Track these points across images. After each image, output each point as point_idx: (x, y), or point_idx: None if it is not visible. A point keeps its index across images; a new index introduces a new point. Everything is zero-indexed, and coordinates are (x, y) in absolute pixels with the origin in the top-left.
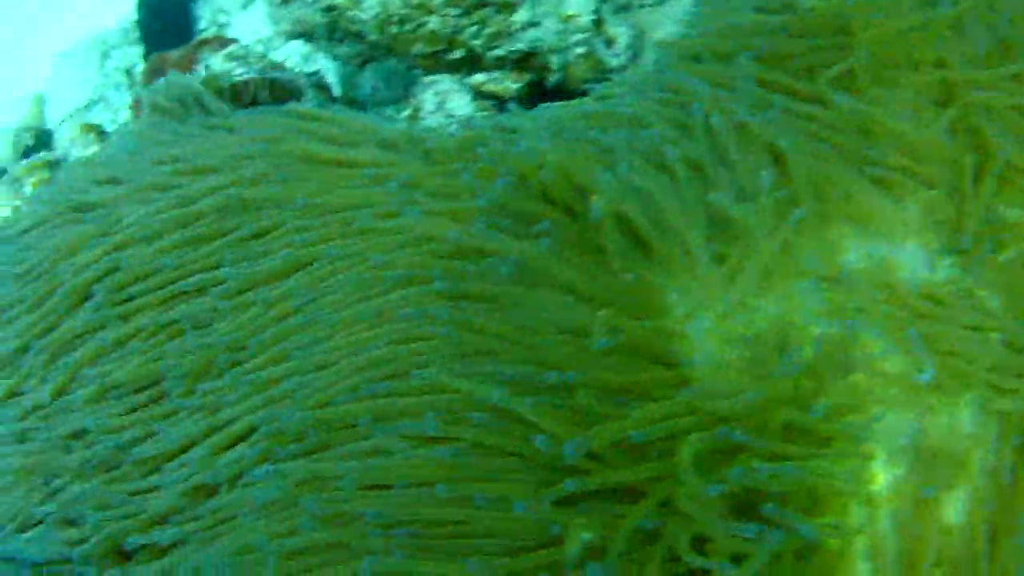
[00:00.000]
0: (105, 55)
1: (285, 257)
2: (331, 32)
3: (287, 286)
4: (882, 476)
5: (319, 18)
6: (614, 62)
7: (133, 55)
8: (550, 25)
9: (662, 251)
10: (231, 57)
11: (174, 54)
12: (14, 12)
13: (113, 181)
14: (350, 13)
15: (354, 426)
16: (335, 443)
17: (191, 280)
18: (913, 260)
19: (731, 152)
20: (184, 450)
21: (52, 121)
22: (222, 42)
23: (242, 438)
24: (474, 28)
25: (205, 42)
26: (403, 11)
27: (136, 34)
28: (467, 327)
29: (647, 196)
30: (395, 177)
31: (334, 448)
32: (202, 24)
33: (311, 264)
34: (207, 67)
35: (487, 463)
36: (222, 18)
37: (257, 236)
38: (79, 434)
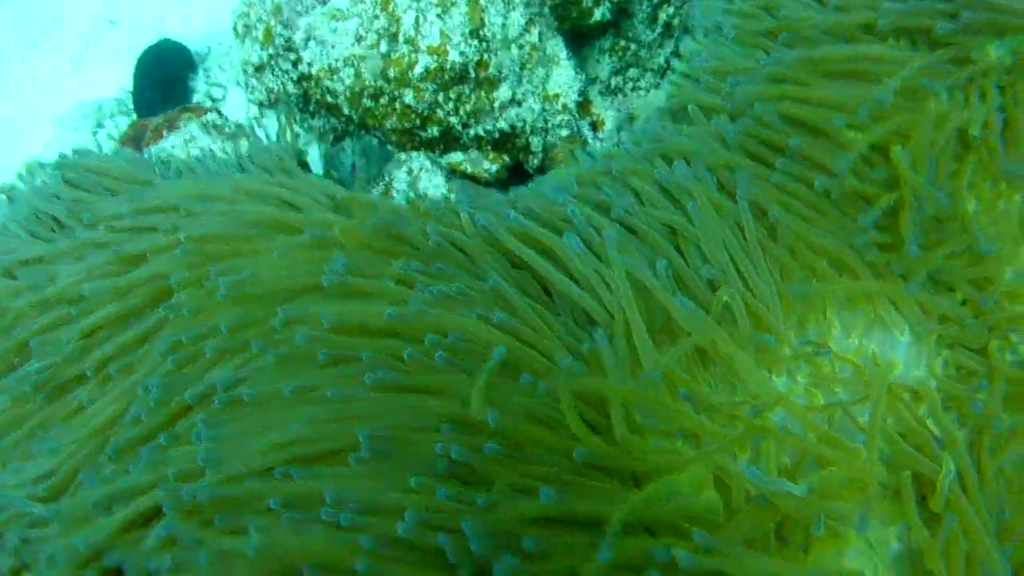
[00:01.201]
0: (99, 123)
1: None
2: (304, 104)
3: (215, 371)
4: None
5: (292, 88)
6: (599, 146)
7: (125, 124)
8: (533, 104)
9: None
10: (207, 126)
11: (155, 120)
12: (24, 76)
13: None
14: (325, 84)
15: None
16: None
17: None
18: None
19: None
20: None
21: None
22: (202, 111)
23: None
24: (451, 104)
25: (186, 109)
26: (378, 83)
27: (130, 104)
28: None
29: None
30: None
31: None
32: (197, 97)
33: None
34: (186, 134)
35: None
36: (216, 92)
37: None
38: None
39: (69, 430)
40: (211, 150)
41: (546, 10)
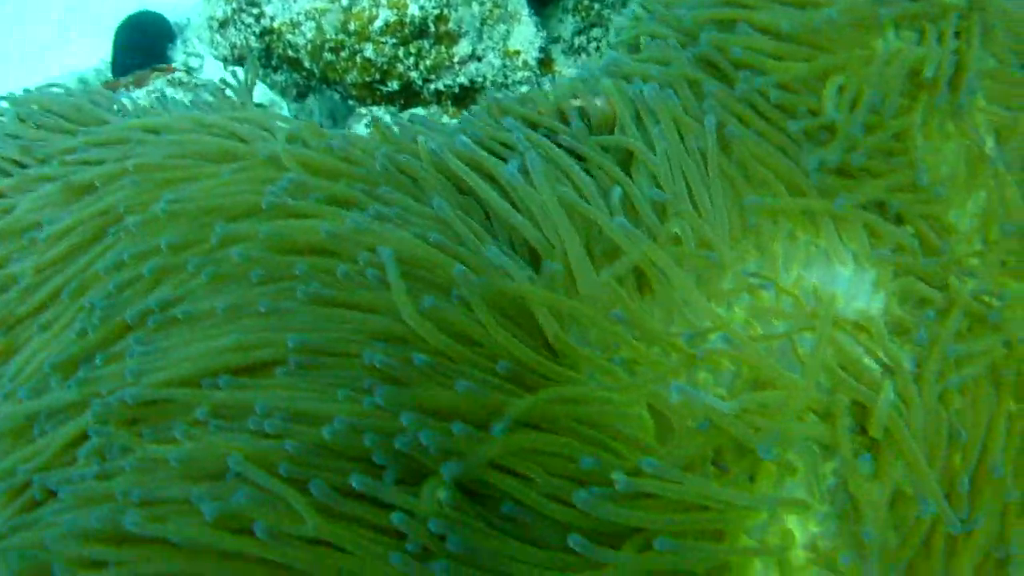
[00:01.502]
0: None
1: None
2: (267, 58)
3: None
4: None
5: (254, 43)
6: None
7: None
8: (493, 60)
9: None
10: (174, 82)
11: (125, 79)
12: (8, 48)
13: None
14: (287, 38)
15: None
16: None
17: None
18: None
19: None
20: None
21: None
22: (171, 70)
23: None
24: (411, 59)
25: (156, 69)
26: (338, 37)
27: (109, 74)
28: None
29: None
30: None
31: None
32: (175, 66)
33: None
34: (152, 89)
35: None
36: (194, 61)
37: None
38: None
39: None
40: (173, 99)
41: None
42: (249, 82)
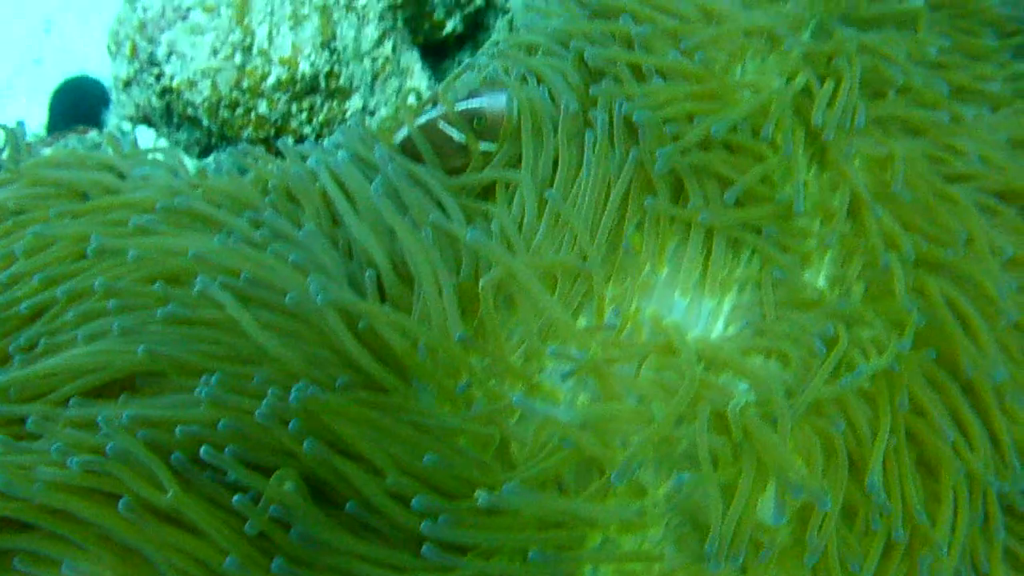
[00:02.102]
0: None
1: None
2: (169, 117)
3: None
4: None
5: (156, 102)
6: None
7: None
8: (385, 113)
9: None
10: (85, 142)
11: (46, 139)
12: None
13: None
14: (185, 96)
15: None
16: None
17: None
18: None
19: None
20: None
21: None
22: (86, 130)
23: None
24: (304, 114)
25: (73, 130)
26: (233, 95)
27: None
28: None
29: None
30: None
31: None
32: (108, 128)
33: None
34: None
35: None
36: (127, 125)
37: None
38: None
39: None
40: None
41: (400, 24)
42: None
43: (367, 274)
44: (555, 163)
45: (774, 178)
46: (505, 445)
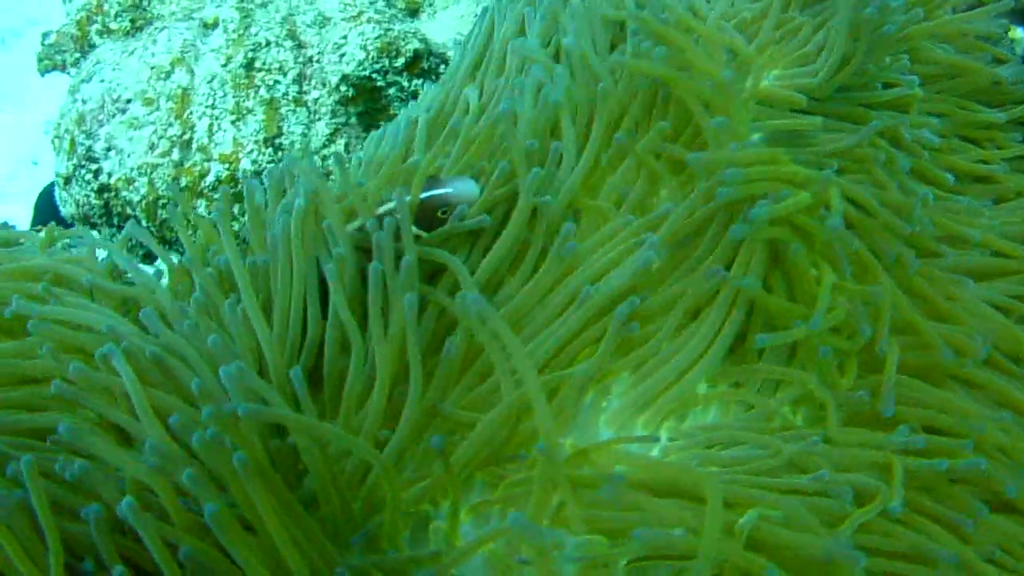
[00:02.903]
0: None
1: None
2: (108, 216)
3: None
4: None
5: (94, 200)
6: None
7: None
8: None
9: None
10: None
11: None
12: None
13: None
14: (123, 194)
15: None
16: None
17: None
18: None
19: None
20: None
21: None
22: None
23: None
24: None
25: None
26: (169, 193)
27: None
28: None
29: None
30: None
31: None
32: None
33: None
34: None
35: None
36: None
37: None
38: None
39: None
40: None
41: (353, 120)
42: None
43: None
44: None
45: None
46: None
